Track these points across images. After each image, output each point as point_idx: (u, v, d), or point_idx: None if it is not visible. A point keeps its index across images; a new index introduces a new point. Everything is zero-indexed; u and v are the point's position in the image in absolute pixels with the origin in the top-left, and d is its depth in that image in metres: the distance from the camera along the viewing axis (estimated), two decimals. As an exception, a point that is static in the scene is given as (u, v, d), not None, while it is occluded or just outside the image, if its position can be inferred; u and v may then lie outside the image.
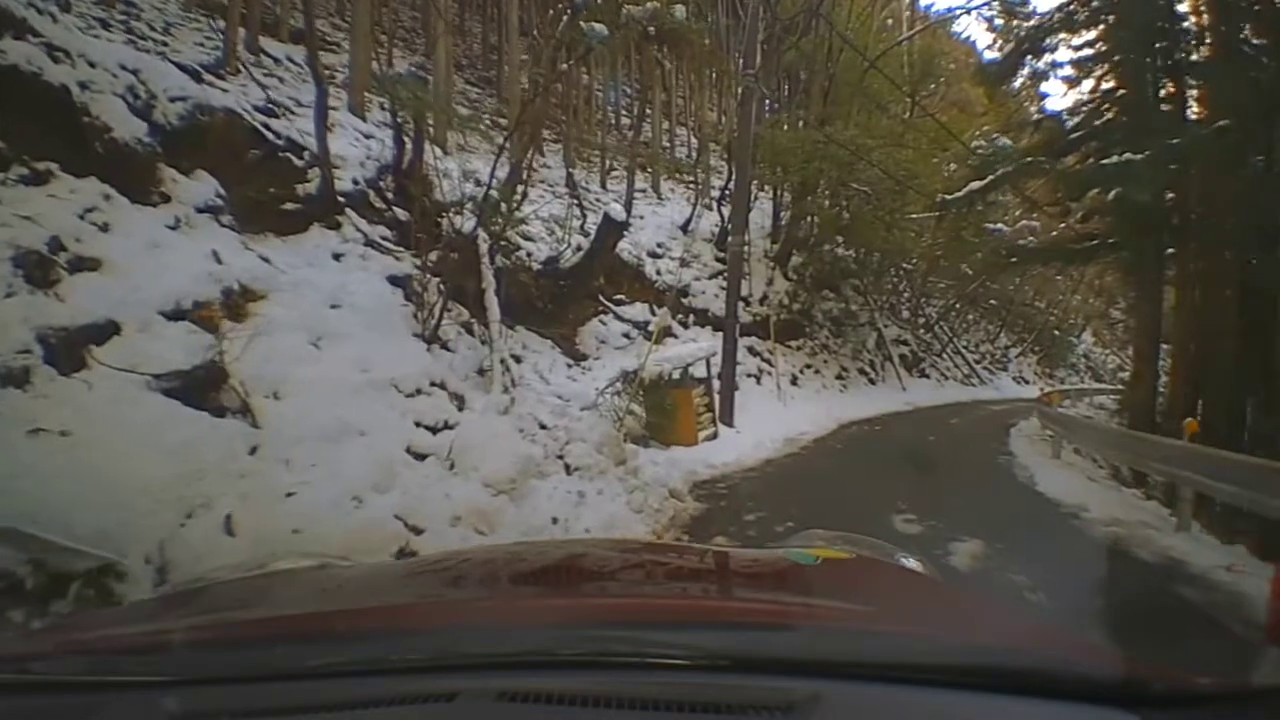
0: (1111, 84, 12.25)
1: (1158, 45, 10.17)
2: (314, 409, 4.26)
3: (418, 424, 4.87)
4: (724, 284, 13.10)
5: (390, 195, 9.06)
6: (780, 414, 10.62)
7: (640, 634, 0.77)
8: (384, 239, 7.80)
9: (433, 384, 5.48)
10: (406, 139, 8.75)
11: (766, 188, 16.48)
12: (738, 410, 9.57)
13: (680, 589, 1.20)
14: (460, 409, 5.53)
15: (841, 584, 1.15)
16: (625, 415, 7.38)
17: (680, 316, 11.55)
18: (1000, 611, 1.25)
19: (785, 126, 14.59)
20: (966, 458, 8.70)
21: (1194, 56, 9.08)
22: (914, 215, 17.13)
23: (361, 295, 6.16)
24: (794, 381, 12.92)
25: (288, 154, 7.86)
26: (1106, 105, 11.78)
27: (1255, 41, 8.17)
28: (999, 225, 19.32)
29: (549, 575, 1.27)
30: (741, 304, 12.86)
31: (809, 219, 15.87)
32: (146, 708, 0.70)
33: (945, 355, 22.82)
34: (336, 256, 7.03)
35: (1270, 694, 0.73)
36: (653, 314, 11.03)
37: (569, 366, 9.32)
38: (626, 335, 10.38)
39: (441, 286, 7.23)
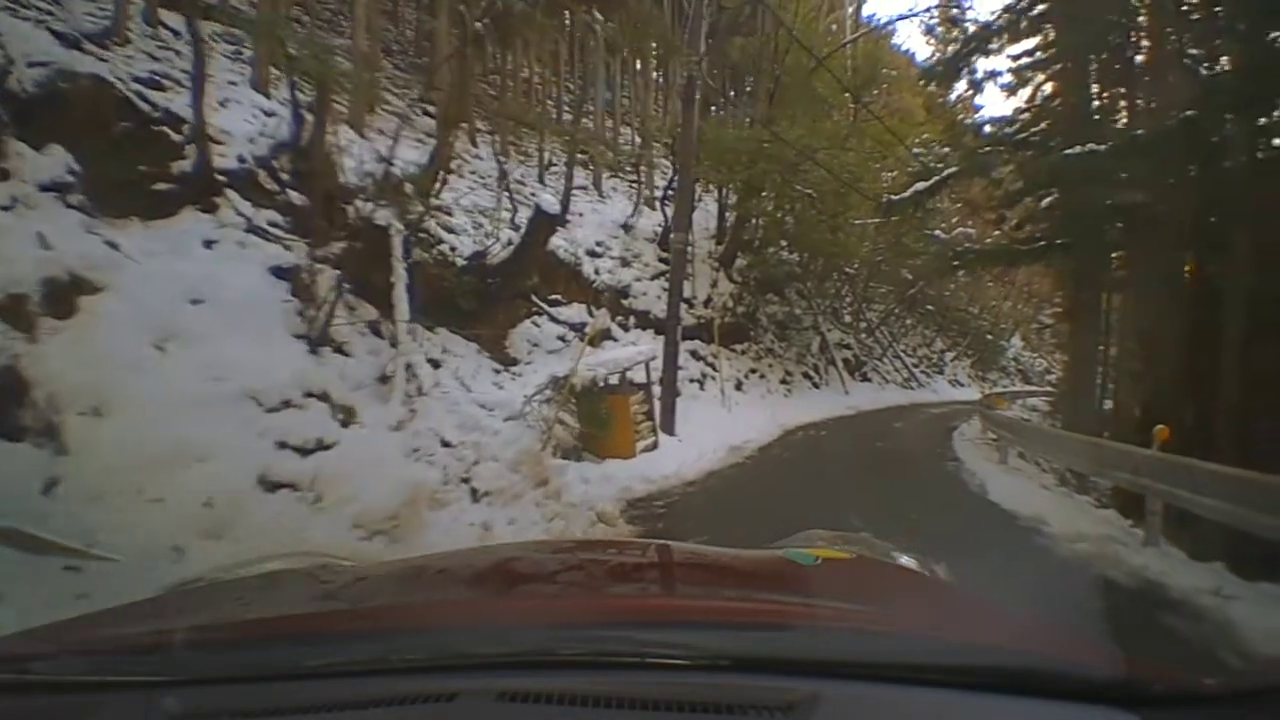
0: (1050, 90, 12.49)
1: (1097, 56, 10.32)
2: (144, 428, 3.39)
3: (282, 445, 4.01)
4: (667, 284, 12.58)
5: (285, 176, 8.03)
6: (724, 421, 10.11)
7: (640, 634, 0.76)
8: (272, 225, 6.83)
9: (308, 395, 4.60)
10: (309, 115, 7.79)
11: (711, 188, 16.09)
12: (680, 417, 9.00)
13: (680, 589, 1.19)
14: (345, 424, 4.69)
15: (841, 584, 1.14)
16: (554, 426, 6.67)
17: (620, 318, 10.91)
18: (1000, 611, 1.18)
19: (731, 126, 14.20)
20: (915, 465, 8.38)
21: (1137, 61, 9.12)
22: (856, 221, 17.23)
23: (233, 289, 5.24)
24: (739, 386, 12.47)
25: (164, 128, 6.81)
26: (1044, 113, 11.98)
27: (1193, 52, 8.28)
28: (937, 232, 19.72)
29: (548, 575, 1.26)
30: (685, 306, 12.35)
31: (754, 221, 15.59)
32: (146, 708, 0.68)
33: (886, 359, 23.04)
34: (208, 244, 6.04)
35: (1270, 694, 0.72)
36: (591, 315, 10.34)
37: (496, 372, 8.53)
38: (562, 338, 9.66)
39: (341, 281, 6.36)
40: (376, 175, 8.52)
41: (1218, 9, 7.85)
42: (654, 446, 7.66)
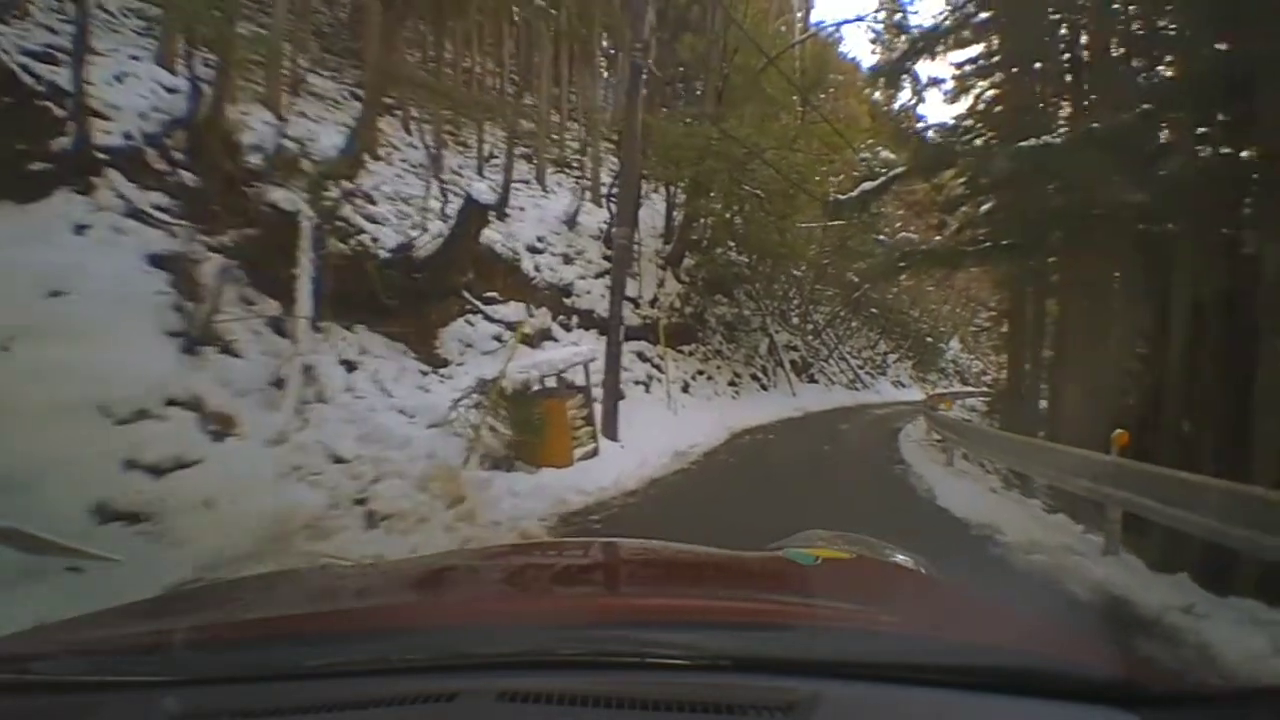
0: (992, 96, 12.67)
1: (1040, 63, 10.45)
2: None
3: (131, 464, 3.32)
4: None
5: (179, 156, 7.15)
6: (670, 424, 9.69)
7: (640, 634, 0.76)
8: (159, 209, 6.01)
9: (172, 403, 3.89)
10: (208, 88, 6.97)
11: (659, 186, 15.73)
12: (623, 422, 8.52)
13: (680, 589, 1.15)
14: (219, 437, 4.00)
15: (841, 584, 1.13)
16: (481, 433, 6.08)
17: (562, 317, 10.35)
18: (1000, 611, 1.13)
19: (681, 122, 13.85)
20: (863, 469, 8.16)
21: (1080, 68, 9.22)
22: (803, 224, 17.23)
23: (101, 279, 4.47)
24: (685, 389, 12.10)
25: (48, 103, 5.94)
26: (986, 118, 12.15)
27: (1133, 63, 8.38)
28: (881, 237, 19.99)
29: (549, 575, 1.26)
30: (630, 306, 11.90)
31: (703, 220, 15.32)
32: (146, 708, 0.68)
33: (832, 361, 23.22)
34: (80, 229, 5.21)
35: (1270, 694, 0.71)
36: (530, 314, 9.76)
37: (423, 374, 7.85)
38: (498, 338, 9.04)
39: (236, 272, 5.62)
40: (287, 157, 7.75)
41: (1160, 19, 7.97)
42: (594, 453, 7.15)
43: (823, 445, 10.04)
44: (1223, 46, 6.44)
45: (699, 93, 16.08)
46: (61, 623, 0.95)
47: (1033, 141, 6.76)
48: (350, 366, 7.01)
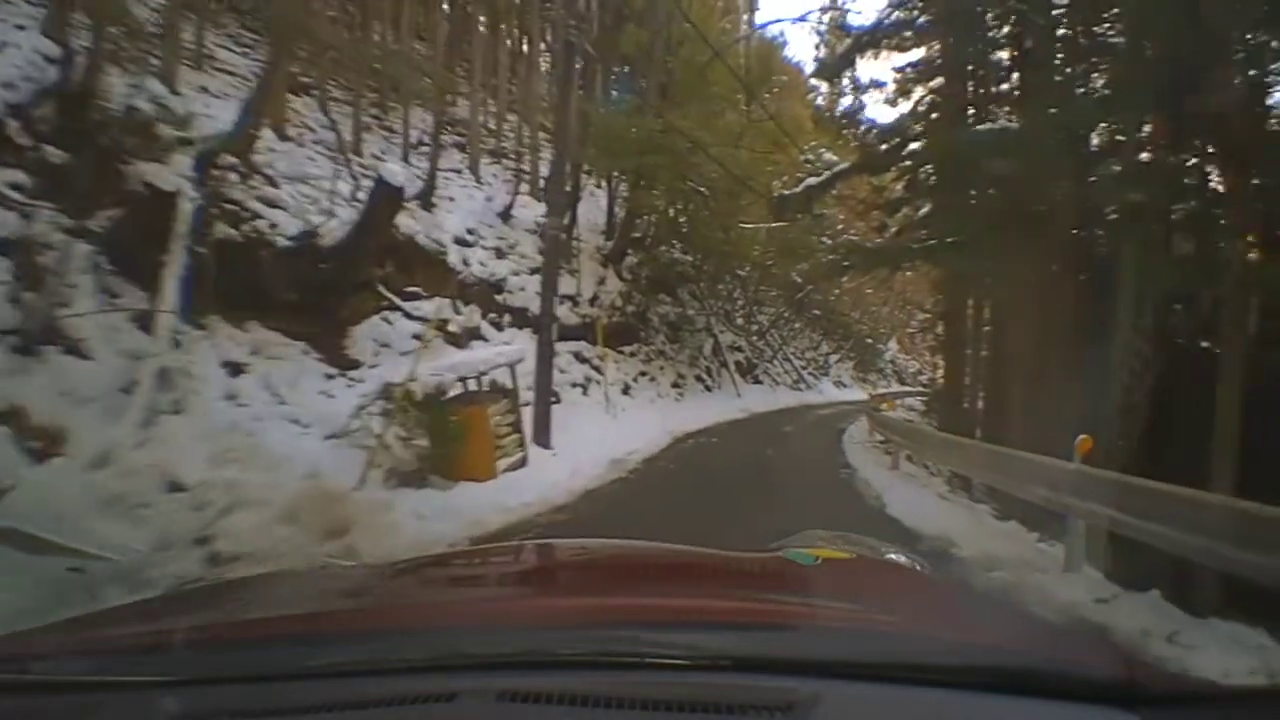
0: (931, 100, 12.76)
1: (978, 68, 10.49)
2: None
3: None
4: (558, 285, 11.45)
5: (46, 129, 6.16)
6: (609, 429, 9.13)
7: (640, 634, 0.75)
8: (14, 187, 5.06)
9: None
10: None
11: (601, 181, 15.17)
12: (558, 427, 7.91)
13: (680, 589, 1.14)
14: (42, 457, 3.19)
15: (841, 584, 1.13)
16: (388, 445, 5.36)
17: (493, 315, 9.63)
18: (1000, 611, 1.17)
19: (624, 113, 13.31)
20: (809, 474, 7.81)
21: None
22: (748, 225, 17.04)
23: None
24: (626, 391, 11.55)
25: None
26: (927, 120, 12.23)
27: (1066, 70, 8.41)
28: (825, 238, 20.05)
29: (549, 575, 1.28)
30: (569, 304, 11.28)
31: (646, 218, 14.86)
32: (146, 708, 0.68)
33: (777, 361, 23.19)
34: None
35: (1270, 694, 0.74)
36: (457, 312, 9.01)
37: (329, 378, 7.02)
38: (419, 337, 8.25)
39: (99, 259, 4.74)
40: (173, 133, 6.84)
41: (1097, 27, 7.99)
42: (522, 463, 6.51)
43: (767, 449, 9.68)
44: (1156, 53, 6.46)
45: (643, 87, 15.65)
46: (61, 623, 0.98)
47: (988, 125, 6.58)
48: (236, 369, 6.15)
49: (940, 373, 28.43)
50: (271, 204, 7.53)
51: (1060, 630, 1.03)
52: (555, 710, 0.63)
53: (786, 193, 10.82)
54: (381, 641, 0.76)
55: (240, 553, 2.80)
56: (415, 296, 8.69)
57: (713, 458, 8.80)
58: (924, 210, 12.60)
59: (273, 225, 7.27)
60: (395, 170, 7.27)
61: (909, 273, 27.43)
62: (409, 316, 8.31)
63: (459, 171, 13.16)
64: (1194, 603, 3.24)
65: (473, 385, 6.17)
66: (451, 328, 8.57)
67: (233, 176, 7.35)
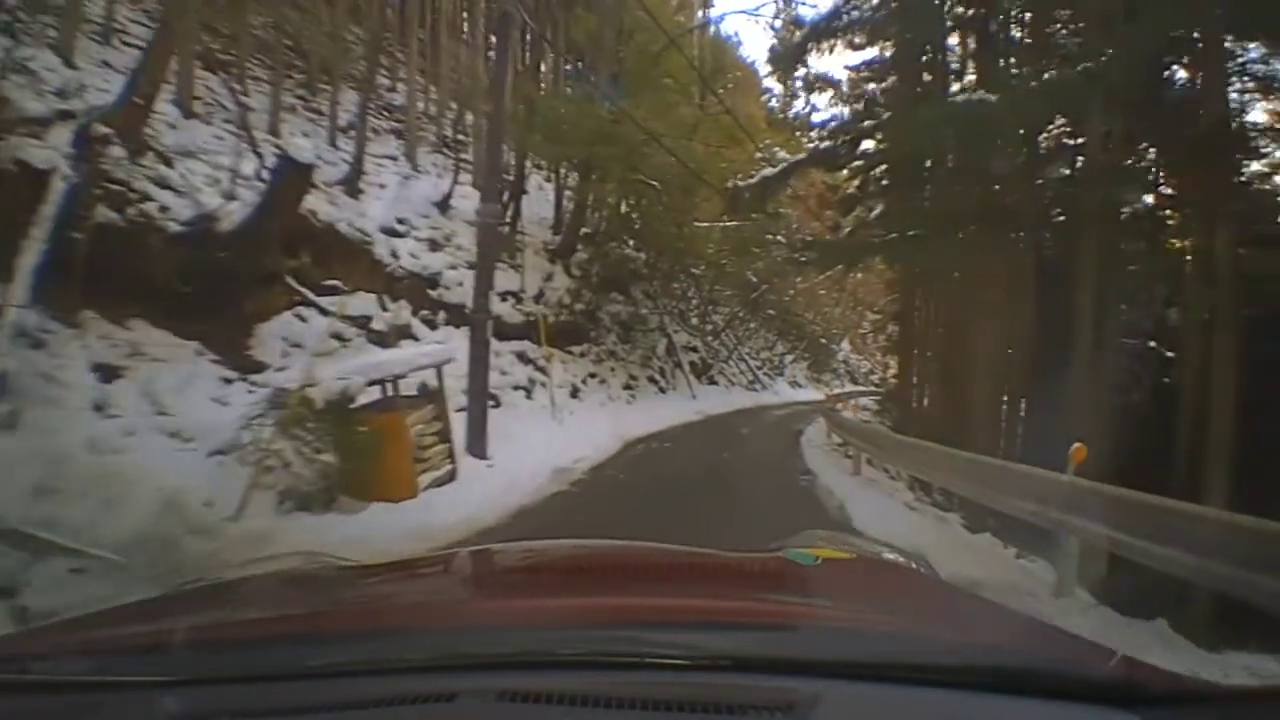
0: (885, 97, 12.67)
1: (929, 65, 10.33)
2: None
3: None
4: (500, 281, 10.69)
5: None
6: (554, 435, 8.46)
7: (640, 634, 0.75)
8: None
9: None
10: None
11: (550, 173, 14.46)
12: (497, 434, 7.20)
13: (680, 589, 1.15)
14: None
15: (841, 584, 1.14)
16: (280, 461, 4.58)
17: (426, 312, 8.83)
18: (1000, 611, 1.11)
19: (575, 100, 12.65)
20: (768, 481, 7.32)
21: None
22: (702, 224, 16.63)
23: None
24: (575, 393, 10.88)
25: None
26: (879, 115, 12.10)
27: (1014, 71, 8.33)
28: (780, 236, 19.85)
29: (549, 575, 1.27)
30: (511, 301, 10.55)
31: (598, 214, 14.23)
32: (146, 708, 0.68)
33: (732, 362, 22.88)
34: None
35: (1270, 694, 0.73)
36: (384, 308, 8.19)
37: (227, 383, 6.15)
38: (339, 336, 7.41)
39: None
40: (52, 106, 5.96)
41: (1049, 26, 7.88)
42: (450, 477, 5.79)
43: (723, 453, 9.17)
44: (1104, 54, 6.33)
45: (594, 75, 15.03)
46: (61, 623, 1.01)
47: (967, 96, 6.25)
48: (110, 374, 5.25)
49: (891, 373, 28.92)
50: (164, 184, 6.59)
51: (1060, 630, 0.97)
52: (555, 710, 0.63)
53: (742, 183, 10.34)
54: (381, 641, 0.76)
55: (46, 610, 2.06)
56: (335, 291, 7.83)
57: (666, 465, 8.23)
58: (877, 211, 12.60)
59: (164, 208, 6.35)
60: (303, 145, 6.45)
61: (859, 275, 27.87)
62: (324, 313, 7.45)
63: (394, 159, 12.26)
64: (1204, 633, 2.83)
65: (393, 389, 5.41)
66: (377, 325, 7.75)
67: (119, 153, 6.41)
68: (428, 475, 5.47)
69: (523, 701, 0.63)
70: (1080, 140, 7.58)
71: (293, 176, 6.04)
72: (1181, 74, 7.80)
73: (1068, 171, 8.37)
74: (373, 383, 5.09)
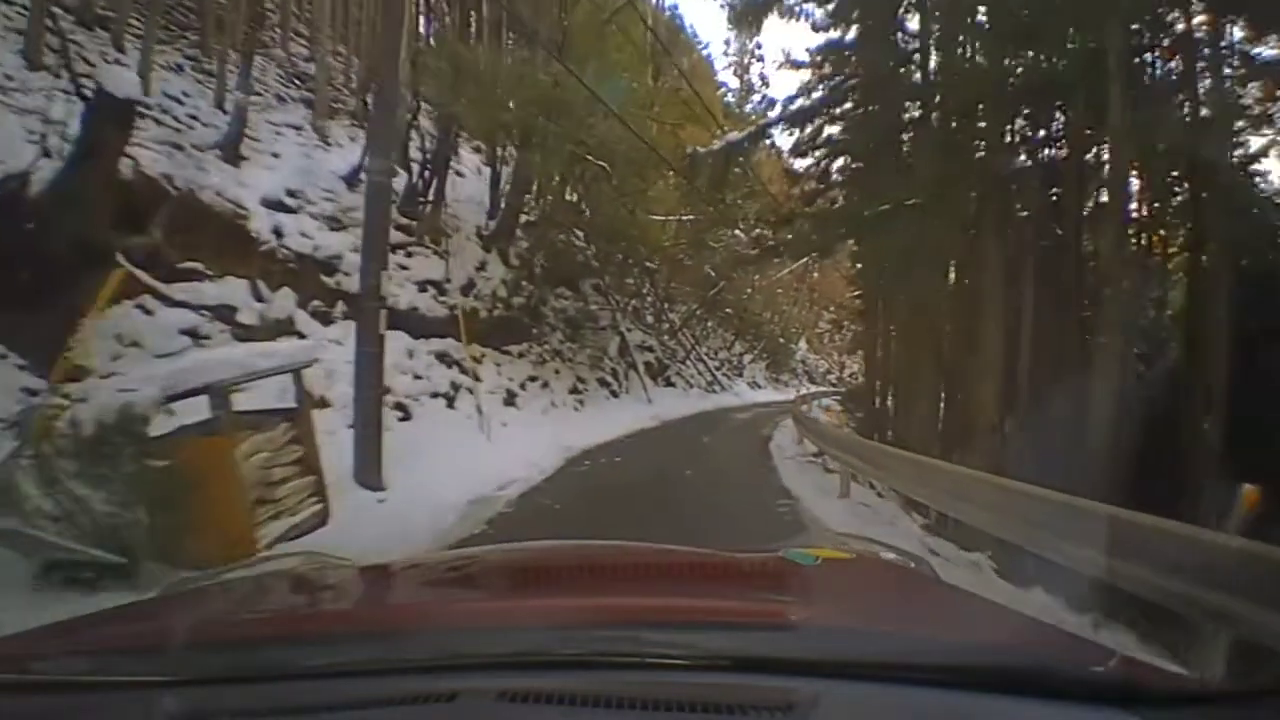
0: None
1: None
2: None
3: None
4: (414, 264, 9.14)
5: None
6: (479, 452, 7.03)
7: (640, 634, 0.76)
8: None
9: None
10: None
11: (487, 154, 12.93)
12: (405, 455, 5.77)
13: (680, 589, 1.14)
14: None
15: (841, 584, 1.14)
16: (42, 514, 3.04)
17: (319, 303, 7.23)
18: (1000, 612, 1.08)
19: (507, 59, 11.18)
20: (740, 510, 6.05)
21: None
22: (657, 217, 15.46)
23: None
24: (511, 400, 9.42)
25: None
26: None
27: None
28: (737, 232, 18.83)
29: (549, 575, 1.27)
30: (433, 291, 9.03)
31: (541, 200, 12.79)
32: (146, 708, 0.67)
33: (689, 362, 21.75)
34: None
35: (1270, 694, 0.72)
36: (259, 297, 6.57)
37: (30, 394, 4.53)
38: (193, 332, 5.79)
39: None
40: None
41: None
42: (319, 522, 4.30)
43: (685, 469, 7.85)
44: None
45: (533, 38, 13.61)
46: (61, 623, 0.96)
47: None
48: None
49: (849, 372, 28.42)
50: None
51: (1060, 630, 0.92)
52: (555, 710, 0.63)
53: (702, 149, 9.10)
54: (381, 641, 0.77)
55: None
56: (194, 275, 6.19)
57: (615, 486, 6.84)
58: (839, 204, 12.20)
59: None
60: (125, 77, 4.82)
61: (816, 274, 27.28)
62: (176, 303, 5.82)
63: (299, 129, 10.55)
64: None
65: (222, 404, 3.86)
66: (245, 319, 6.15)
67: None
68: (280, 523, 3.97)
69: (522, 701, 0.63)
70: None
71: (111, 119, 4.43)
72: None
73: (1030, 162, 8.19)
74: (179, 396, 3.55)
